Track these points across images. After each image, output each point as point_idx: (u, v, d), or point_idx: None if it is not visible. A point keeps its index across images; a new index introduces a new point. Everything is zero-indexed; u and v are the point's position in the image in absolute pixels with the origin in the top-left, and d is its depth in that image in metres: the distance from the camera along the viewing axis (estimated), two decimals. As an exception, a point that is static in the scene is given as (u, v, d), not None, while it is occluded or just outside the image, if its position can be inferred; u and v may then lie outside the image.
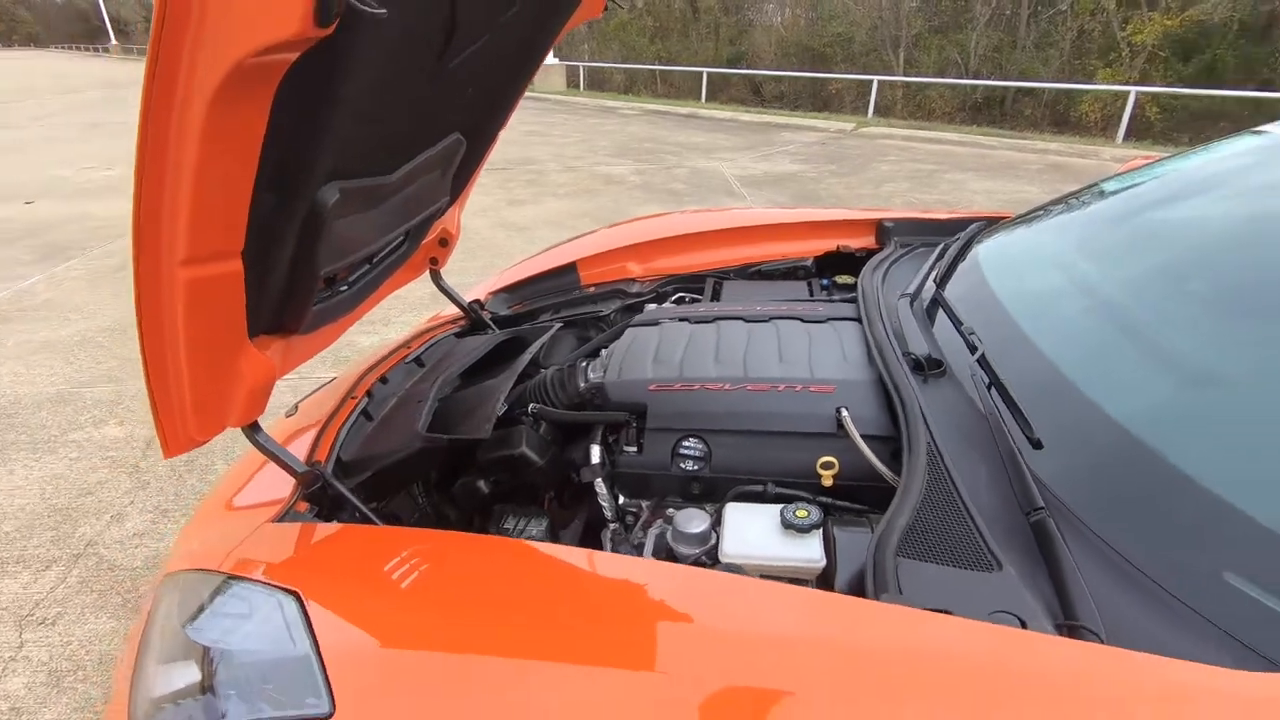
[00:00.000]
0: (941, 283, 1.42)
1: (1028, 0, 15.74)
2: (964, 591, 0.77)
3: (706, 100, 17.21)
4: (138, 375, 2.91)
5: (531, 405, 1.33)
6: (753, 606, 0.75)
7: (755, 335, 1.34)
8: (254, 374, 1.06)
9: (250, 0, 0.61)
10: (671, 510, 1.12)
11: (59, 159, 8.27)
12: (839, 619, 0.73)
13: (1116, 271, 1.25)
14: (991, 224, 1.73)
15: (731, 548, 0.96)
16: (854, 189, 6.65)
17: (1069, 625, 0.72)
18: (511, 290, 1.94)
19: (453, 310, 1.91)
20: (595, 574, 0.87)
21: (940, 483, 0.91)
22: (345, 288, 1.33)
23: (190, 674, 0.83)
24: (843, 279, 1.80)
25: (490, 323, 1.81)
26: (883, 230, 1.88)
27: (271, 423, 1.55)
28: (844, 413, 1.08)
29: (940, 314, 1.31)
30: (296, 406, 1.59)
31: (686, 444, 1.15)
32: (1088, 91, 13.70)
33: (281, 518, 1.12)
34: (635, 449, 1.18)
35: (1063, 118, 15.11)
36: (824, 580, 0.92)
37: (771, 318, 1.42)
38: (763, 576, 0.89)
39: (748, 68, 19.78)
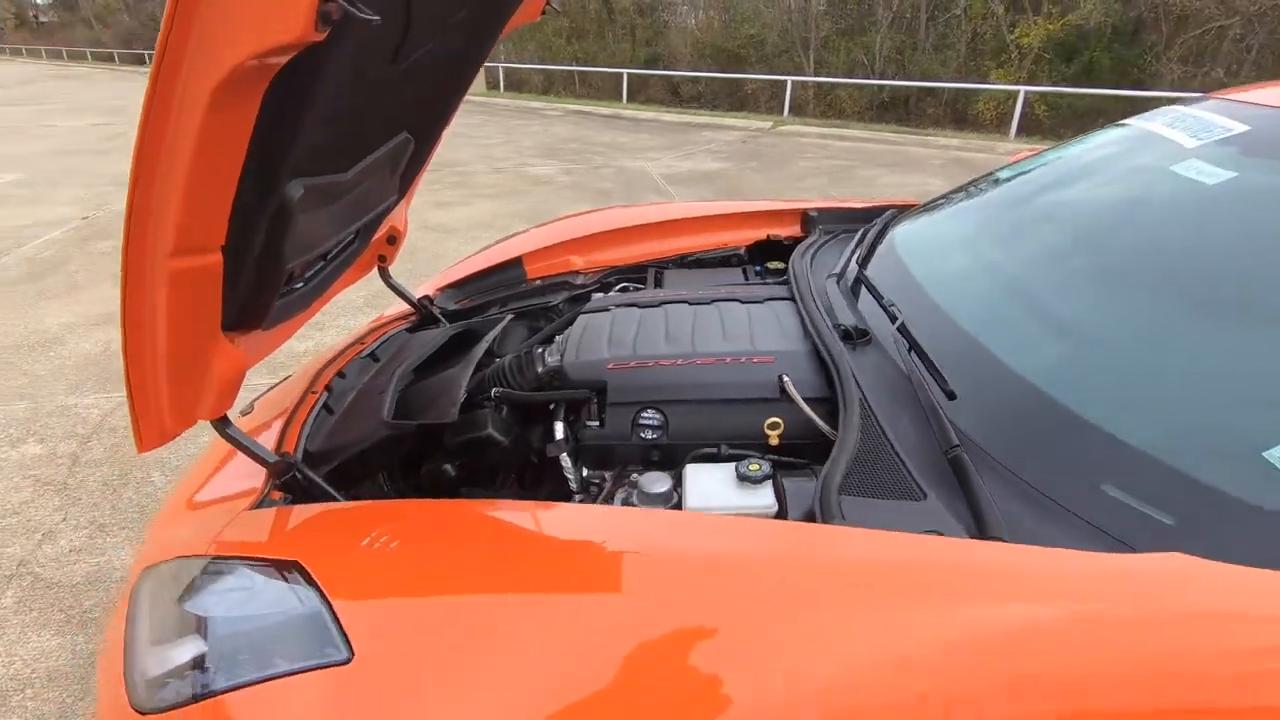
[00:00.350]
0: (863, 263, 1.56)
1: (926, 4, 16.60)
2: (897, 518, 0.90)
3: (625, 101, 17.36)
4: (52, 392, 2.80)
5: (495, 390, 1.39)
6: (719, 534, 0.86)
7: (700, 316, 1.46)
8: (225, 367, 1.10)
9: (256, 5, 0.67)
10: (635, 476, 1.22)
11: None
12: (797, 539, 0.85)
13: (1010, 248, 1.43)
14: (903, 210, 1.90)
15: (694, 501, 1.06)
16: (776, 184, 6.91)
17: (982, 537, 0.85)
18: (459, 286, 1.99)
19: (397, 308, 1.94)
20: (566, 520, 0.97)
21: (872, 432, 1.04)
22: (300, 284, 1.36)
23: (193, 647, 0.87)
24: (773, 265, 1.94)
25: (441, 317, 1.86)
26: (807, 219, 2.03)
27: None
28: (786, 379, 1.21)
29: (863, 290, 1.45)
30: (252, 405, 1.61)
31: (645, 415, 1.25)
32: (982, 91, 14.59)
33: (257, 506, 1.16)
34: (598, 423, 1.27)
35: (961, 116, 16.02)
36: (777, 523, 1.04)
37: (713, 300, 1.54)
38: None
39: (665, 68, 20.05)
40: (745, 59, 19.37)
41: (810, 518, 0.94)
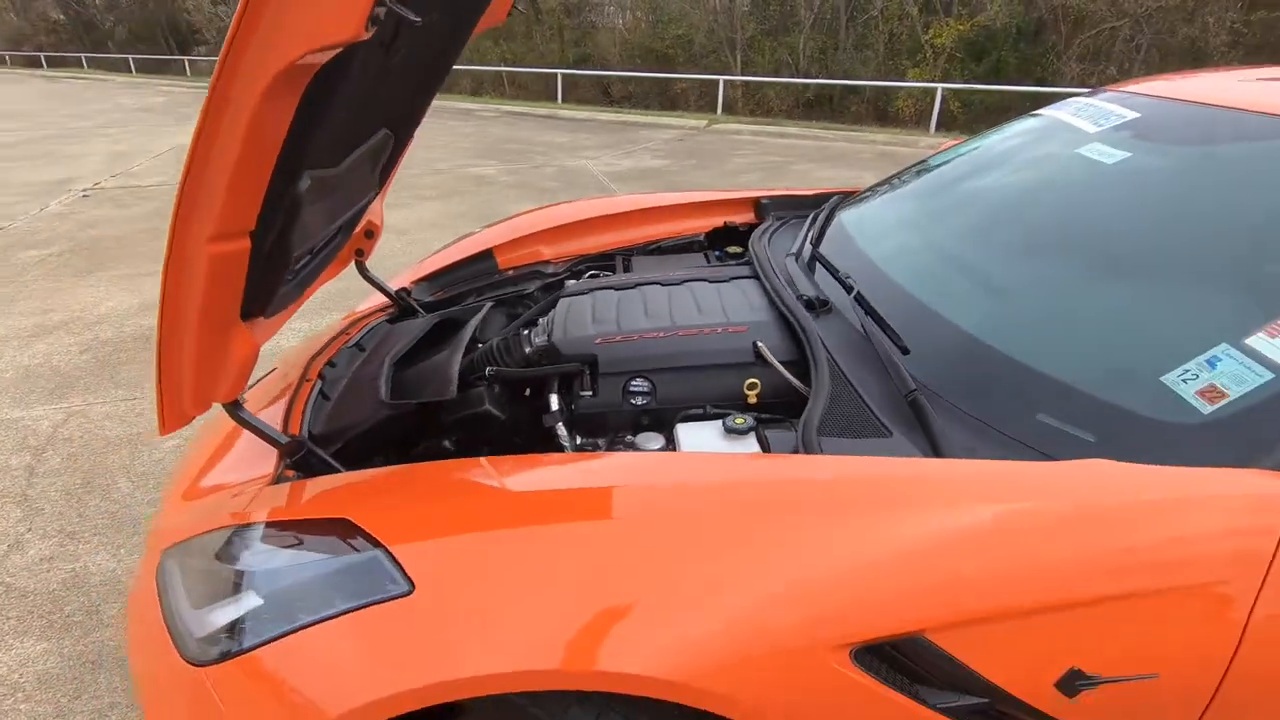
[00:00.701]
0: (816, 243, 1.72)
1: (845, 6, 17.22)
2: (868, 451, 1.04)
3: (560, 101, 17.37)
4: (-2, 404, 2.70)
5: (489, 368, 1.48)
6: (715, 465, 0.99)
7: (674, 295, 1.58)
8: (242, 351, 1.17)
9: (316, 7, 0.75)
10: (629, 438, 1.33)
11: None
12: (783, 464, 0.99)
13: (945, 222, 1.61)
14: (847, 196, 2.08)
15: (688, 453, 1.18)
16: (716, 180, 7.12)
17: (941, 461, 1.01)
18: (433, 278, 2.06)
19: (370, 303, 2.00)
20: (577, 464, 1.08)
21: (840, 384, 1.19)
22: (290, 277, 1.43)
23: (246, 602, 0.94)
24: (732, 249, 2.08)
25: (418, 308, 1.93)
26: (760, 206, 2.19)
27: (218, 413, 1.60)
28: (760, 345, 1.35)
29: (818, 266, 1.60)
30: (244, 396, 1.64)
31: (635, 383, 1.36)
32: (902, 89, 15.25)
33: (274, 483, 1.22)
34: (590, 393, 1.38)
35: (883, 112, 16.67)
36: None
37: (684, 281, 1.67)
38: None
39: (595, 68, 20.13)
40: (673, 59, 19.64)
41: (795, 456, 1.08)
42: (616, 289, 1.66)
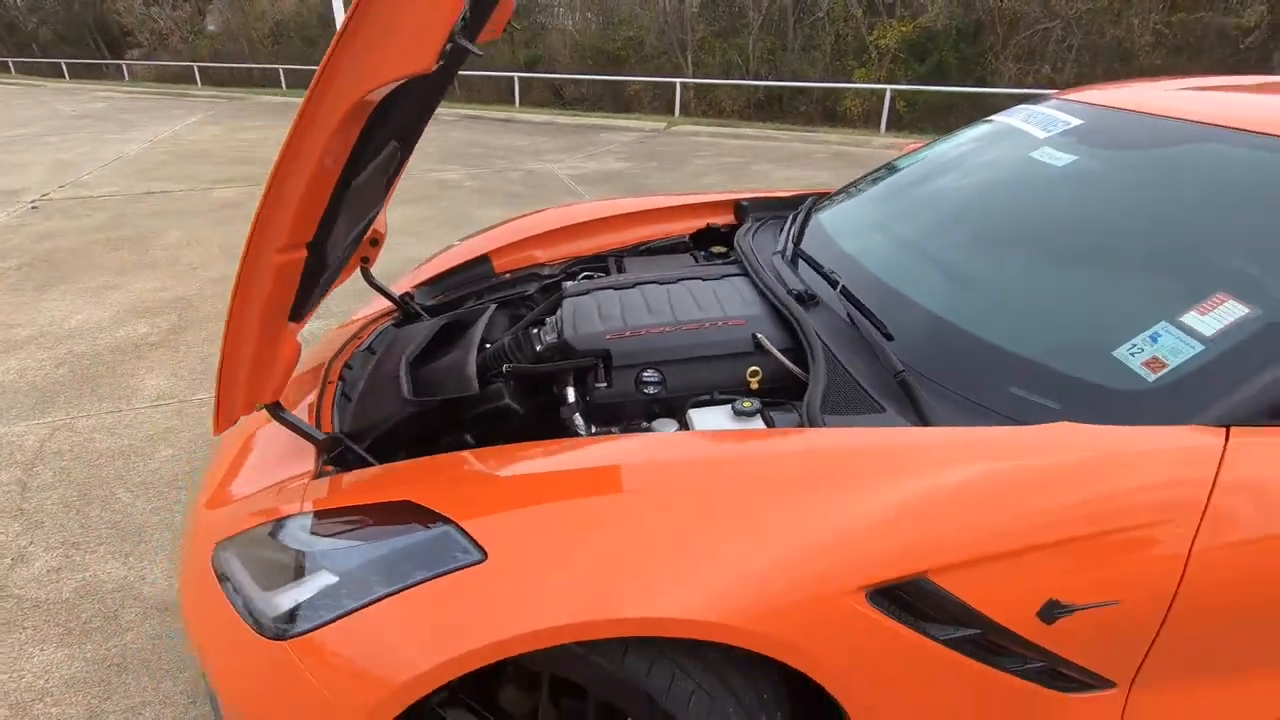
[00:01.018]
0: (797, 241, 1.87)
1: (793, 7, 17.61)
2: (866, 425, 1.18)
3: (518, 105, 17.33)
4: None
5: (506, 365, 1.58)
6: (730, 440, 1.12)
7: (673, 292, 1.70)
8: (288, 354, 1.26)
9: (398, 45, 0.85)
10: (644, 425, 1.45)
11: None
12: (800, 439, 1.12)
13: (915, 220, 1.77)
14: (821, 197, 2.23)
15: (703, 434, 1.31)
16: (678, 182, 7.28)
17: (930, 431, 1.15)
18: (432, 283, 2.14)
19: (371, 308, 2.08)
20: (604, 444, 1.19)
21: (836, 369, 1.33)
22: (320, 284, 1.51)
23: (320, 580, 1.03)
24: (716, 249, 2.21)
25: (422, 312, 2.02)
26: (740, 208, 2.33)
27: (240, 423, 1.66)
28: (760, 336, 1.48)
29: (800, 263, 1.75)
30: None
31: (646, 374, 1.48)
32: (849, 90, 15.69)
33: (317, 477, 1.31)
34: (605, 385, 1.50)
35: (831, 112, 17.10)
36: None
37: (679, 279, 1.79)
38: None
39: (546, 70, 20.13)
40: (624, 60, 19.78)
41: (801, 434, 1.21)
42: (617, 289, 1.77)
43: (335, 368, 1.69)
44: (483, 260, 2.18)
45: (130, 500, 2.30)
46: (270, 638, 1.01)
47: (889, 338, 1.36)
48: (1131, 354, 1.15)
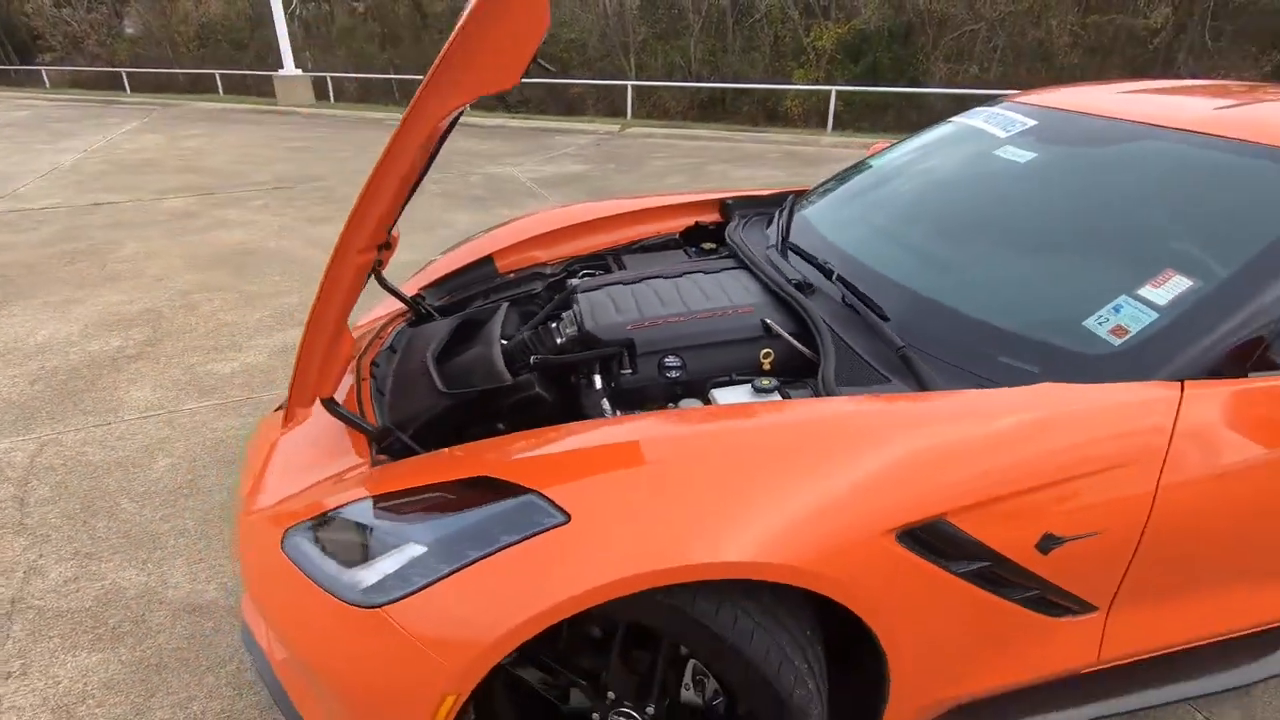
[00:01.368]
0: (786, 235, 2.03)
1: (731, 9, 17.99)
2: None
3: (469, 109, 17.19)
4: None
5: (534, 357, 1.69)
6: (758, 409, 1.26)
7: (680, 285, 1.84)
8: (347, 351, 1.36)
9: (491, 64, 0.96)
10: (670, 406, 1.58)
11: None
12: (825, 406, 1.27)
13: (894, 212, 1.96)
14: (800, 195, 2.40)
15: (731, 409, 1.45)
16: (639, 183, 7.42)
17: (934, 395, 1.32)
18: (438, 285, 2.23)
19: (379, 312, 2.16)
20: (649, 418, 1.31)
21: (842, 347, 1.49)
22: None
23: (408, 552, 1.13)
24: (707, 245, 2.36)
25: (434, 312, 2.10)
26: (725, 207, 2.48)
27: (272, 415, 1.74)
28: (770, 321, 1.63)
29: (794, 254, 1.91)
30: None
31: (668, 360, 1.62)
32: (789, 90, 16.14)
33: (374, 466, 1.40)
34: (630, 371, 1.62)
35: (773, 112, 17.56)
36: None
37: (683, 273, 1.93)
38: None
39: (491, 74, 20.00)
40: (568, 63, 19.86)
41: (819, 405, 1.37)
42: (626, 283, 1.90)
43: (364, 365, 1.77)
44: (486, 261, 2.28)
45: (136, 510, 2.31)
46: (367, 606, 1.10)
47: (884, 318, 1.53)
48: (1099, 323, 1.34)
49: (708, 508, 1.09)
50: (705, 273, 1.94)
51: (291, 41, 15.12)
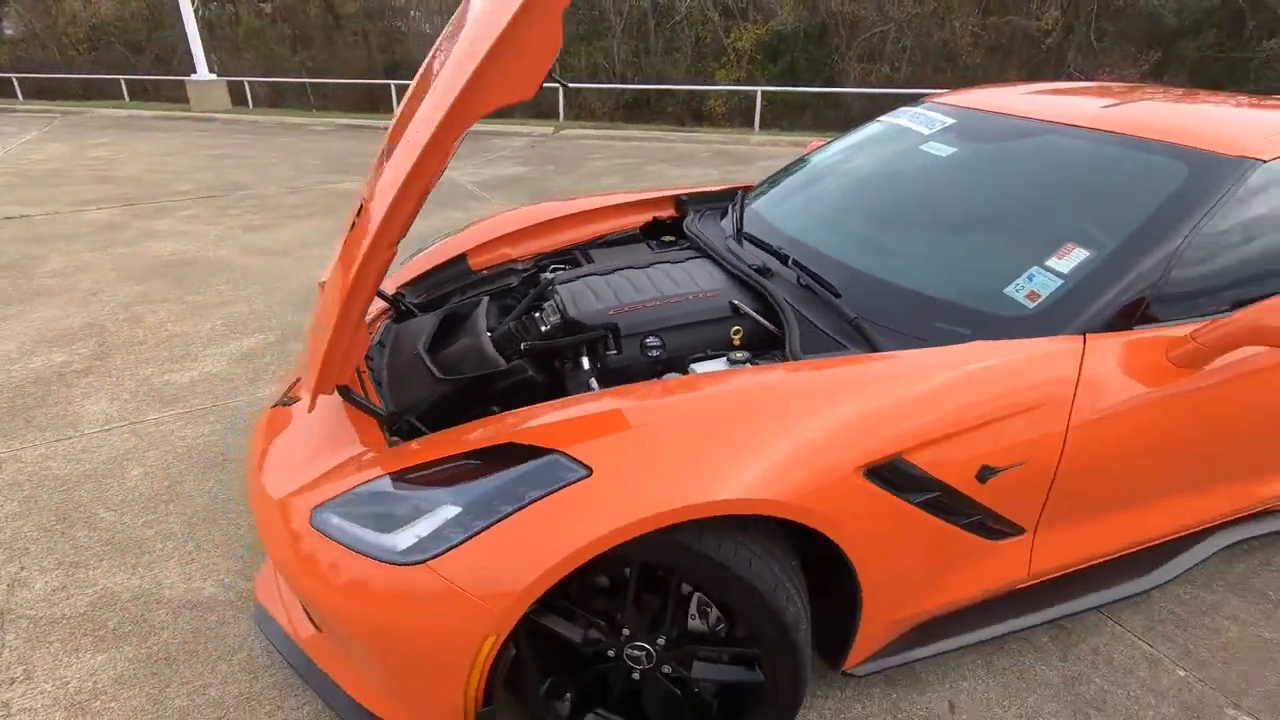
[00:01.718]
0: (741, 226, 2.23)
1: (652, 11, 18.28)
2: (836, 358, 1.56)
3: (373, 111, 16.84)
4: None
5: (524, 343, 1.83)
6: (738, 375, 1.46)
7: (651, 274, 2.02)
8: (364, 342, 1.48)
9: (511, 77, 1.10)
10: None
11: None
12: (796, 369, 1.48)
13: (835, 202, 2.19)
14: (748, 190, 2.62)
15: (712, 379, 1.63)
16: (579, 184, 7.54)
17: (886, 357, 1.54)
18: (415, 283, 2.33)
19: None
20: (648, 386, 1.48)
21: (803, 321, 1.70)
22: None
23: (443, 514, 1.26)
24: (666, 238, 2.54)
25: (414, 309, 2.21)
26: (680, 203, 2.67)
27: (270, 410, 1.83)
28: (739, 303, 1.82)
29: (746, 243, 2.11)
30: (289, 396, 1.86)
31: (649, 340, 1.79)
32: (712, 91, 16.56)
33: (390, 445, 1.52)
34: (615, 352, 1.79)
35: (697, 112, 17.95)
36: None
37: (651, 264, 2.11)
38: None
39: (408, 77, 19.66)
40: (492, 65, 19.70)
41: (789, 371, 1.57)
42: (600, 274, 2.06)
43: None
44: (460, 259, 2.40)
45: (116, 518, 2.32)
46: (409, 564, 1.23)
47: (837, 295, 1.74)
48: (1016, 290, 1.59)
49: (707, 457, 1.26)
50: (672, 263, 2.12)
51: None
